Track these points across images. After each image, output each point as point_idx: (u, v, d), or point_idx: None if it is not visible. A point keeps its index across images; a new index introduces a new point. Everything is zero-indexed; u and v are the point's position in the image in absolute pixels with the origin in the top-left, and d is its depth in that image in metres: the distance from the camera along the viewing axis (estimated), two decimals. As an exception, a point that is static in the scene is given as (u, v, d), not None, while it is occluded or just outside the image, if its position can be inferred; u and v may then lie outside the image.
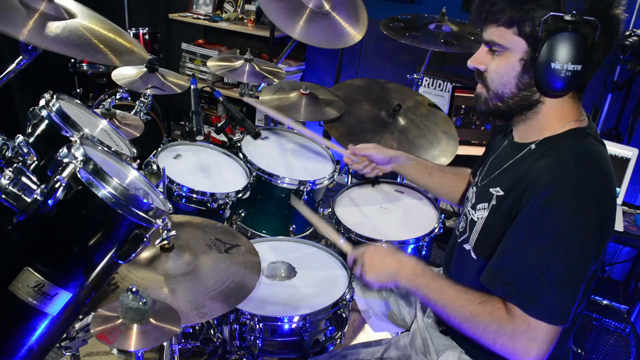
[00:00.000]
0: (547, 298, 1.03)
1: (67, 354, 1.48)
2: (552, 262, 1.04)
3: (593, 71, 1.11)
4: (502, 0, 1.08)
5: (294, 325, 1.44)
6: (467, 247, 1.28)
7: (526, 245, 1.07)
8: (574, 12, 1.02)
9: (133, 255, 1.02)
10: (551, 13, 1.03)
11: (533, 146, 1.18)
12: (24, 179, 0.97)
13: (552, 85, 1.07)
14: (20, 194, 0.96)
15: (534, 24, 1.05)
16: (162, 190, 1.59)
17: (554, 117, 1.16)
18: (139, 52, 1.45)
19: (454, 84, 2.99)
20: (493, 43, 1.13)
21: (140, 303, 1.05)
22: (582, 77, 1.06)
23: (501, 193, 1.20)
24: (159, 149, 2.00)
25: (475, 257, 1.26)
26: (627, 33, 2.41)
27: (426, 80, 3.19)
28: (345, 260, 1.62)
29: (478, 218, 1.25)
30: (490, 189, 1.23)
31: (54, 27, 1.25)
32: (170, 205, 1.15)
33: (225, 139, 2.20)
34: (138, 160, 1.52)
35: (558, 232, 1.03)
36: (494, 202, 1.21)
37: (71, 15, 1.34)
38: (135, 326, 1.06)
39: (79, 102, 1.49)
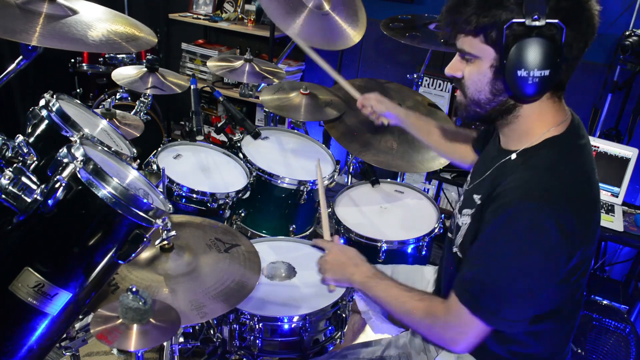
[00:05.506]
0: (508, 311, 1.09)
1: (67, 354, 1.49)
2: (513, 279, 1.07)
3: (571, 68, 1.09)
4: (468, 8, 1.06)
5: (293, 325, 1.44)
6: (454, 248, 1.30)
7: (489, 262, 1.10)
8: (536, 16, 0.99)
9: (133, 255, 1.02)
10: (512, 20, 1.01)
11: (514, 156, 1.17)
12: (24, 179, 0.97)
13: (521, 92, 1.05)
14: (20, 194, 0.96)
15: (499, 30, 1.03)
16: (161, 190, 1.59)
17: (535, 120, 1.15)
18: (145, 35, 1.46)
19: (453, 84, 2.99)
20: (464, 52, 1.12)
21: (140, 303, 1.05)
22: (552, 80, 1.04)
23: (479, 202, 1.21)
24: (159, 149, 2.00)
25: (461, 256, 1.27)
26: (627, 33, 2.41)
27: (426, 80, 3.19)
28: None
29: (462, 223, 1.27)
30: (474, 195, 1.23)
31: (61, 26, 1.26)
32: (170, 205, 1.15)
33: (225, 139, 2.20)
34: (138, 160, 1.52)
35: (518, 251, 1.05)
36: (474, 209, 1.22)
37: (74, 12, 1.34)
38: (135, 326, 1.06)
39: (79, 102, 1.49)
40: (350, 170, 2.39)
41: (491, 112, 1.16)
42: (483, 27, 1.05)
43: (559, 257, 1.06)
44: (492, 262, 1.08)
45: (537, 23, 0.99)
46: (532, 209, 1.03)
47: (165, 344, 1.45)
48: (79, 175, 0.95)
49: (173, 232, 1.27)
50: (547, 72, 1.02)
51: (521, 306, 1.09)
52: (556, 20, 0.99)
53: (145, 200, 1.00)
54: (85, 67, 3.27)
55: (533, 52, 1.01)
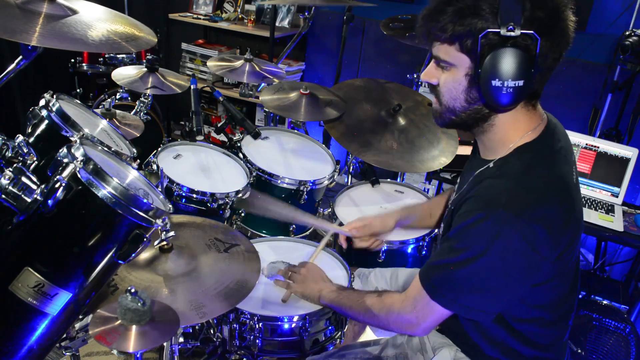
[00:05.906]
0: (466, 300, 1.12)
1: (67, 354, 1.48)
2: (472, 274, 1.09)
3: (545, 78, 1.10)
4: (444, 16, 1.05)
5: (293, 325, 1.44)
6: None
7: (451, 256, 1.12)
8: (511, 26, 0.99)
9: (133, 255, 1.02)
10: (487, 30, 1.00)
11: (491, 164, 1.18)
12: (24, 179, 0.97)
13: (495, 101, 1.05)
14: (20, 194, 0.96)
15: (474, 39, 1.03)
16: (160, 190, 1.59)
17: (510, 129, 1.15)
18: (145, 35, 1.46)
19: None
20: (439, 59, 1.12)
21: (139, 304, 1.05)
22: (526, 90, 1.04)
23: (452, 207, 1.22)
24: (159, 149, 2.00)
25: None
26: (627, 33, 2.40)
27: (426, 80, 3.18)
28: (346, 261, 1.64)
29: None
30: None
31: (61, 26, 1.26)
32: (170, 205, 1.15)
33: (225, 139, 2.20)
34: (138, 160, 1.52)
35: (479, 252, 1.07)
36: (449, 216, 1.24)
37: (74, 12, 1.34)
38: (134, 327, 1.06)
39: (79, 102, 1.49)
40: (350, 170, 2.39)
41: (466, 119, 1.16)
42: (459, 36, 1.05)
43: (523, 263, 1.06)
44: (454, 257, 1.10)
45: (512, 33, 0.99)
46: (497, 216, 1.04)
47: (165, 344, 1.45)
48: (79, 175, 0.95)
49: (172, 233, 1.27)
50: (521, 83, 1.02)
51: (480, 298, 1.12)
52: (531, 31, 0.99)
53: (145, 200, 1.00)
54: (85, 67, 3.27)
55: (507, 63, 1.01)
